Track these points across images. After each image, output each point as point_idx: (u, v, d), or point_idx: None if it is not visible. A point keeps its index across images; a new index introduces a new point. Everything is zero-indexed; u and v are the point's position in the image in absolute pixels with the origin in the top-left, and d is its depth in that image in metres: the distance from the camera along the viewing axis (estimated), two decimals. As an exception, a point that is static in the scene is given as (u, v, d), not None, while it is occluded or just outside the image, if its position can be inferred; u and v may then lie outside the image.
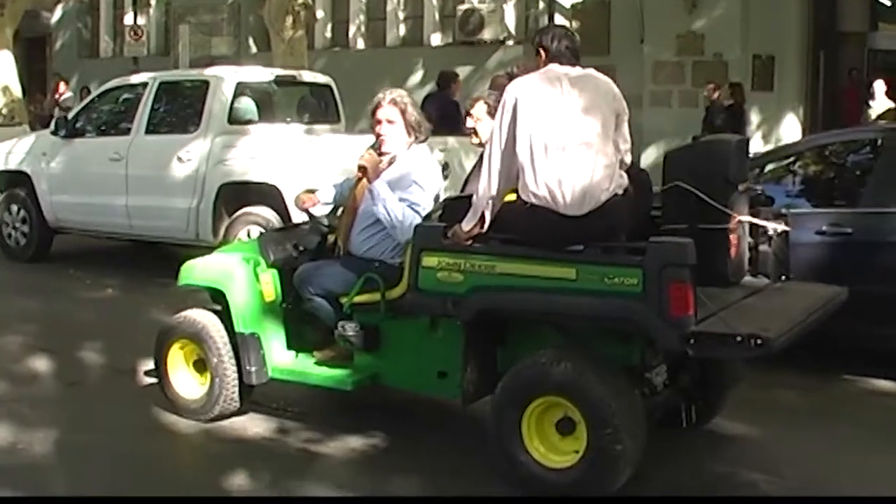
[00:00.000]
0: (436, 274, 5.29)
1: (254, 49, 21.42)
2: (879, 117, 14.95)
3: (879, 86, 15.38)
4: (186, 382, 6.37)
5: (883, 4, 18.82)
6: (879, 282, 6.89)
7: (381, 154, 6.02)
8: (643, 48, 17.00)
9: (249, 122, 10.54)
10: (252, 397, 6.35)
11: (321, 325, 6.20)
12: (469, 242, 5.30)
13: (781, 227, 5.96)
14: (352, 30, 20.55)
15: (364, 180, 5.95)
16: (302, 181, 9.49)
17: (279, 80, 11.13)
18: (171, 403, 6.39)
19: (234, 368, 6.14)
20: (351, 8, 20.51)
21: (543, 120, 5.09)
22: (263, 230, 9.70)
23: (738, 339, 4.74)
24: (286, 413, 6.42)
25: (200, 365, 6.33)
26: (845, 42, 17.49)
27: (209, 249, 10.37)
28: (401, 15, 20.30)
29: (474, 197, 5.35)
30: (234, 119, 10.42)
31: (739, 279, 5.66)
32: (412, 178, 5.91)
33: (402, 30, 20.39)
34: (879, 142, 7.81)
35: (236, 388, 6.17)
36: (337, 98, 11.59)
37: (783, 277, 6.03)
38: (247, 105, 10.48)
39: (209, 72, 10.77)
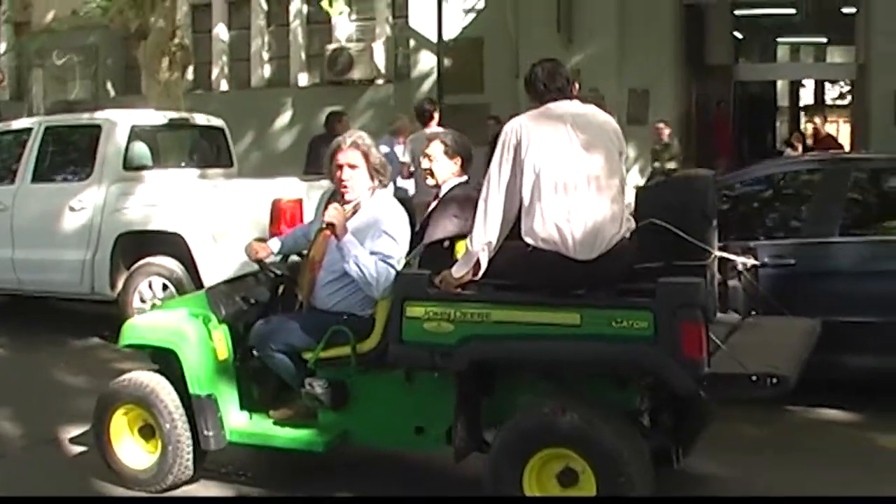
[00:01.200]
0: (422, 324, 4.96)
1: (112, 93, 20.66)
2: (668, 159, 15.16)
3: (663, 128, 15.55)
4: (132, 451, 5.85)
5: (740, 39, 19.36)
6: (823, 311, 6.83)
7: (343, 203, 5.65)
8: (519, 83, 16.91)
9: (143, 167, 10.01)
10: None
11: (273, 383, 5.83)
12: (458, 290, 5.03)
13: (751, 262, 5.84)
14: (215, 71, 20.02)
15: (326, 231, 5.56)
16: (207, 229, 9.11)
17: (172, 124, 10.61)
18: (115, 475, 5.84)
19: (189, 434, 5.67)
20: (213, 49, 19.98)
21: (550, 158, 4.89)
22: (165, 280, 9.26)
23: (754, 378, 4.60)
24: (240, 478, 5.97)
25: (147, 431, 5.83)
26: (713, 75, 17.83)
27: (104, 303, 9.92)
28: (265, 55, 19.87)
29: (468, 242, 5.11)
30: (129, 165, 9.87)
31: (714, 316, 5.50)
32: (381, 228, 5.53)
33: (268, 70, 19.96)
34: (817, 173, 7.82)
35: (191, 455, 5.70)
36: (229, 141, 11.14)
37: (752, 312, 5.91)
38: (141, 150, 9.95)
39: (100, 115, 10.16)
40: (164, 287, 9.35)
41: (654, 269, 5.05)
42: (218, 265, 9.07)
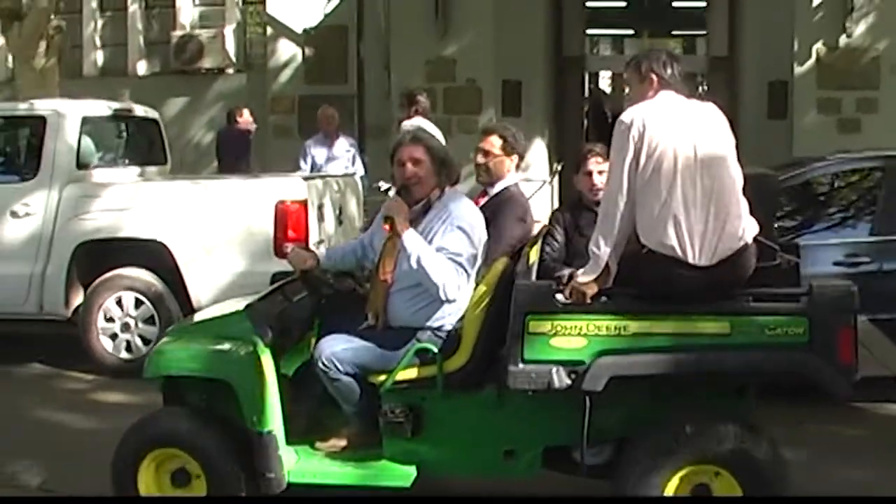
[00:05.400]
0: (548, 340, 4.53)
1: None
2: None
3: None
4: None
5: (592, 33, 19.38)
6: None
7: (411, 202, 5.07)
8: (389, 75, 16.19)
9: (92, 165, 8.75)
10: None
11: (311, 412, 5.25)
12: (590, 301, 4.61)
13: (795, 260, 5.53)
14: (39, 58, 18.16)
15: (386, 226, 5.03)
16: (197, 237, 8.02)
17: (116, 115, 9.30)
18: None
19: (242, 478, 4.88)
20: (38, 34, 18.10)
21: (669, 154, 4.51)
22: (140, 296, 8.11)
23: None
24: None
25: (181, 478, 4.99)
26: (568, 67, 17.63)
27: (54, 323, 8.58)
28: (98, 41, 18.19)
29: (591, 246, 4.67)
30: (81, 163, 8.57)
31: None
32: (453, 224, 4.96)
33: (101, 58, 18.29)
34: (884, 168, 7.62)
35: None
36: (164, 135, 9.93)
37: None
38: (90, 145, 8.69)
39: (43, 105, 8.76)
40: (138, 303, 8.14)
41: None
42: (209, 279, 7.98)
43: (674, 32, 22.29)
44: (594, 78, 19.15)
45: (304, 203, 7.95)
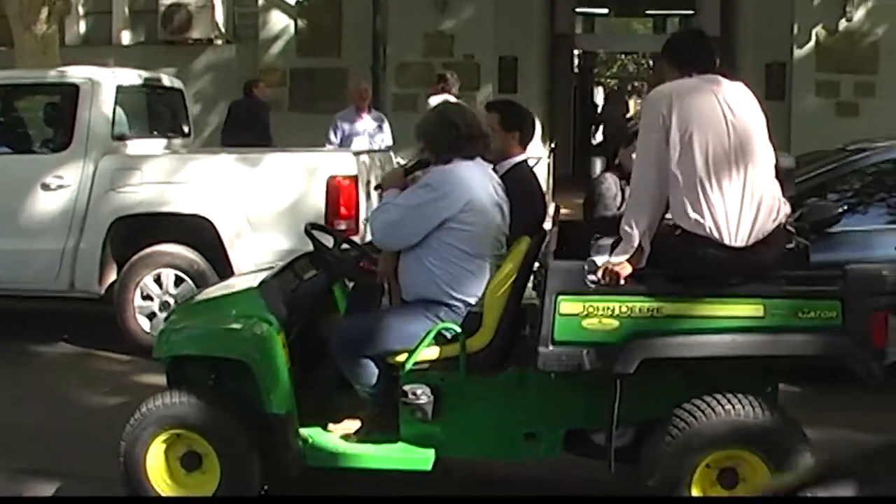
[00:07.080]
0: (580, 322, 4.44)
1: None
2: None
3: None
4: (173, 488, 4.86)
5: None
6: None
7: None
8: (384, 48, 15.87)
9: (124, 137, 8.38)
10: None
11: (321, 393, 5.16)
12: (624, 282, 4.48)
13: (804, 242, 5.40)
14: (19, 26, 17.54)
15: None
16: (243, 213, 7.71)
17: (146, 84, 8.91)
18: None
19: (254, 461, 4.77)
20: (17, 1, 17.48)
21: (702, 132, 4.44)
22: (181, 273, 7.79)
23: None
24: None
25: (191, 460, 4.84)
26: (558, 44, 17.49)
27: (75, 301, 8.22)
28: (81, 10, 17.63)
29: (623, 226, 4.56)
30: (117, 133, 8.21)
31: None
32: (421, 183, 4.94)
33: (84, 27, 17.74)
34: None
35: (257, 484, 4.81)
36: (188, 107, 9.56)
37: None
38: (123, 115, 8.32)
39: (76, 72, 8.36)
40: (178, 281, 7.81)
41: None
42: (254, 257, 7.66)
43: (648, 12, 22.19)
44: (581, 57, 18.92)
45: (355, 179, 7.68)
